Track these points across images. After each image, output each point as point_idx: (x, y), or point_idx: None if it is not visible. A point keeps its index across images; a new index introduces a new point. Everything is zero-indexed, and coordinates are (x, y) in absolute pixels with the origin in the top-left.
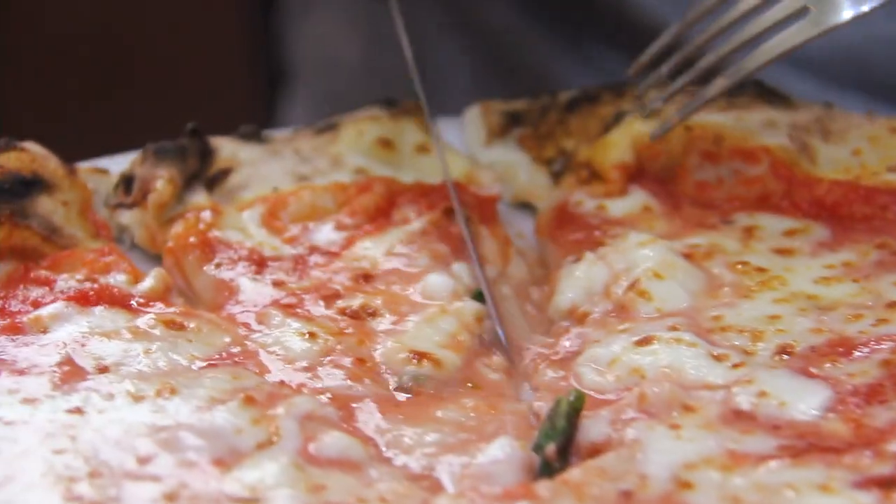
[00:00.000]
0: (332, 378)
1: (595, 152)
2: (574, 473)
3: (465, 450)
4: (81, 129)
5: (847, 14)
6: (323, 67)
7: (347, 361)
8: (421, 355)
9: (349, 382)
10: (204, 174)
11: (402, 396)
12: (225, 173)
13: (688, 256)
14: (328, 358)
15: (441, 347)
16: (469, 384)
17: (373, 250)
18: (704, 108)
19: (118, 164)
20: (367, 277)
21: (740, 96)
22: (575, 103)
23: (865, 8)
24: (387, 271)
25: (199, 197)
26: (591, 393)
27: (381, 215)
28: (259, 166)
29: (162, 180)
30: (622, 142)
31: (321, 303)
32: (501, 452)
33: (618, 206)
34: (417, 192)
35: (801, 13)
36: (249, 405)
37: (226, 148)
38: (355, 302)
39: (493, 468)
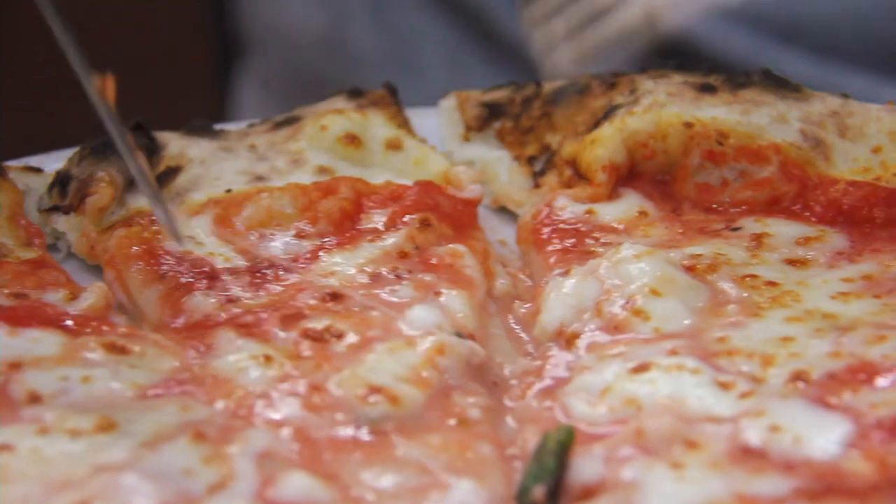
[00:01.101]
0: (289, 407)
1: (581, 149)
2: None
3: (426, 496)
4: (11, 122)
5: None
6: (281, 41)
7: (303, 389)
8: (376, 390)
9: (306, 413)
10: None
11: (363, 432)
12: (172, 172)
13: (689, 269)
14: (284, 385)
15: (401, 382)
16: (450, 420)
17: (343, 267)
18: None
19: (53, 162)
20: (335, 297)
21: (746, 88)
22: (561, 94)
23: None
24: (362, 293)
25: (144, 200)
26: (582, 426)
27: (347, 221)
28: (210, 165)
29: (102, 182)
30: (613, 138)
31: (280, 323)
32: (466, 499)
33: (609, 211)
34: (387, 194)
35: None
36: (200, 441)
37: (173, 144)
38: (320, 324)
39: None
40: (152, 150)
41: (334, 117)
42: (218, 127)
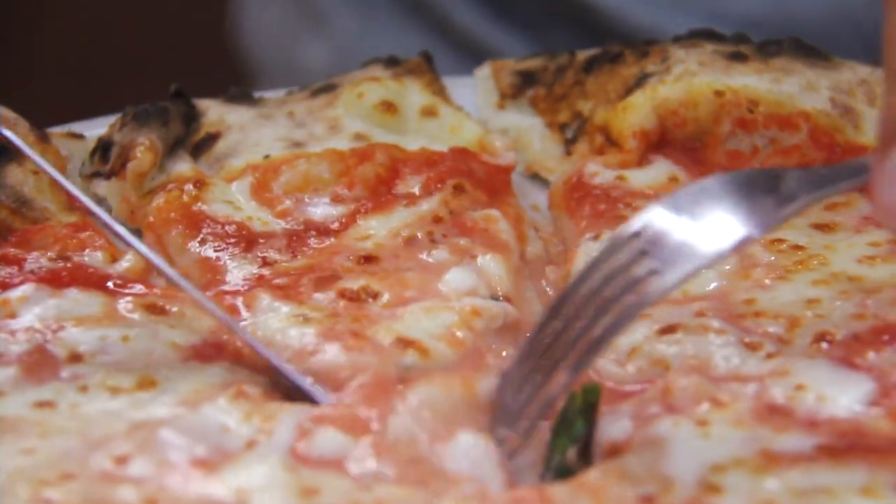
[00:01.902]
0: (329, 353)
1: (613, 116)
2: (592, 476)
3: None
4: (55, 90)
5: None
6: (284, 71)
7: (345, 336)
8: (409, 343)
9: (346, 356)
10: (188, 140)
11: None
12: (212, 139)
13: None
14: (323, 340)
15: (435, 339)
16: None
17: (378, 230)
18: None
19: (95, 128)
20: (369, 259)
21: (777, 57)
22: (594, 63)
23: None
24: (398, 255)
25: (184, 165)
26: (610, 385)
27: (382, 187)
28: (249, 131)
29: (142, 147)
30: (644, 105)
31: (315, 285)
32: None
33: (640, 177)
34: (422, 160)
35: (651, 274)
36: (240, 399)
37: (213, 111)
38: (356, 284)
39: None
40: (191, 117)
41: (371, 85)
42: (257, 94)
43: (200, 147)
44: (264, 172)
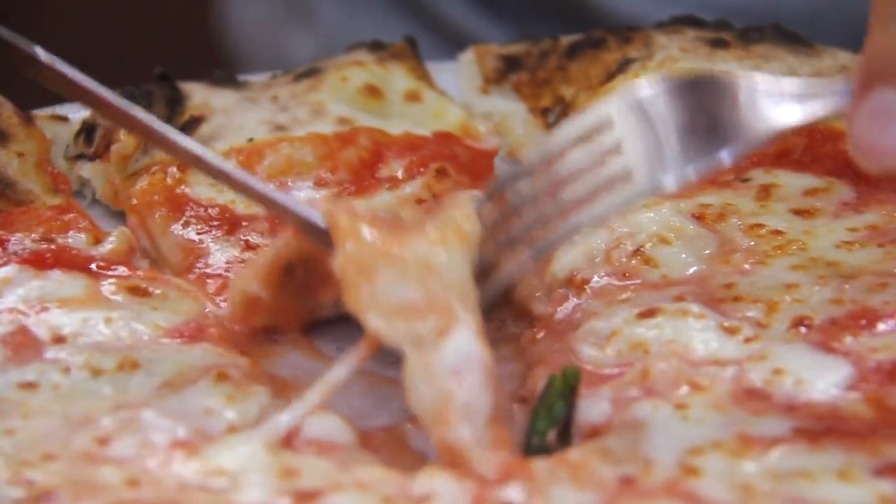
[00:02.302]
0: None
1: (593, 101)
2: (573, 453)
3: None
4: None
5: (670, 182)
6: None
7: None
8: None
9: None
10: (173, 123)
11: None
12: (196, 122)
13: (698, 218)
14: None
15: None
16: None
17: None
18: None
19: (79, 111)
20: None
21: (758, 43)
22: (577, 48)
23: (692, 175)
24: None
25: None
26: (590, 368)
27: (366, 171)
28: (233, 115)
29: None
30: None
31: None
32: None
33: None
34: (406, 144)
35: (624, 178)
36: (223, 382)
37: (197, 94)
38: None
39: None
40: (176, 101)
41: (355, 69)
42: (242, 78)
43: (185, 130)
44: (248, 156)
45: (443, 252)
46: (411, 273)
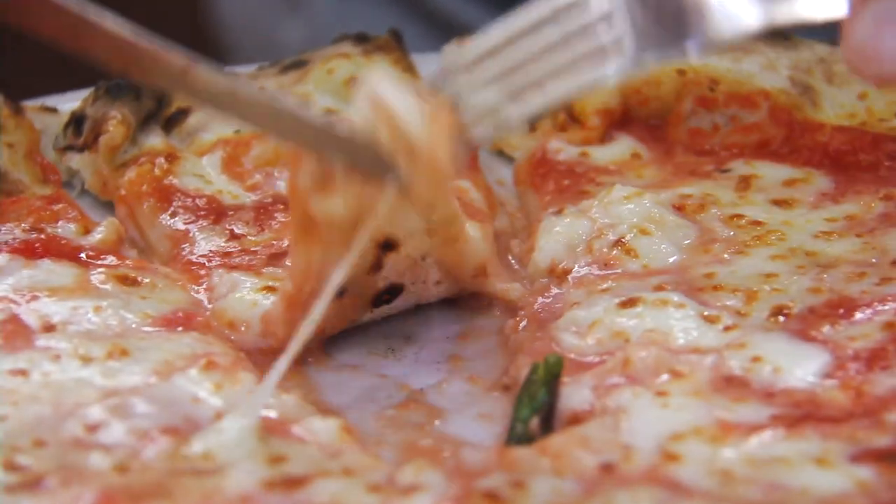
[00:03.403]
0: None
1: None
2: (554, 442)
3: None
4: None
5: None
6: (260, 50)
7: None
8: None
9: None
10: (160, 114)
11: None
12: (183, 114)
13: (679, 208)
14: None
15: None
16: None
17: None
18: None
19: (68, 102)
20: None
21: None
22: None
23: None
24: None
25: (156, 139)
26: (571, 356)
27: None
28: None
29: (115, 121)
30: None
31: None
32: None
33: (603, 153)
34: None
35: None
36: (211, 370)
37: None
38: None
39: None
40: (163, 92)
41: (340, 61)
42: (229, 70)
43: (172, 121)
44: (235, 147)
45: None
46: None
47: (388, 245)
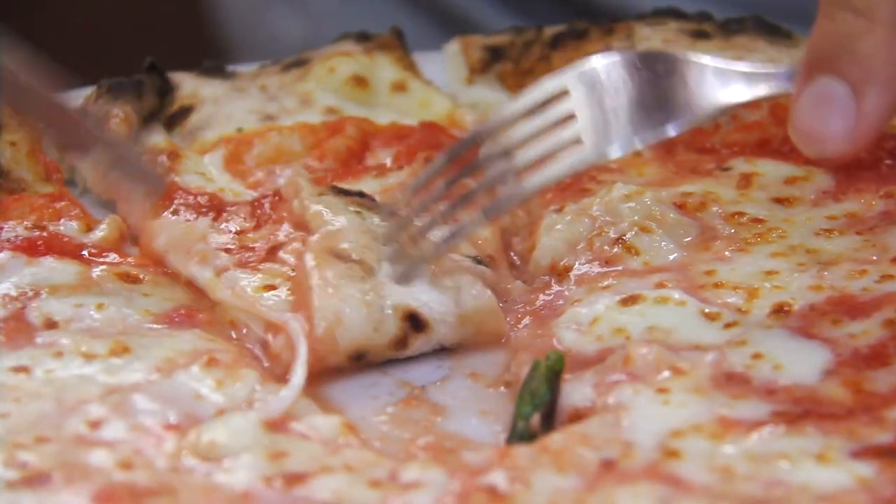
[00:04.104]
0: None
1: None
2: (555, 439)
3: None
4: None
5: (616, 151)
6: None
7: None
8: None
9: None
10: (163, 112)
11: None
12: (185, 112)
13: (680, 206)
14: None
15: None
16: None
17: None
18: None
19: (70, 101)
20: None
21: (739, 34)
22: (560, 39)
23: (638, 145)
24: None
25: (158, 137)
26: (573, 353)
27: (353, 159)
28: (222, 104)
29: (117, 119)
30: None
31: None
32: None
33: None
34: (393, 134)
35: (574, 144)
36: (213, 367)
37: (187, 84)
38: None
39: None
40: (166, 91)
41: (342, 59)
42: (230, 68)
43: (174, 119)
44: (237, 145)
45: None
46: None
47: (417, 324)
